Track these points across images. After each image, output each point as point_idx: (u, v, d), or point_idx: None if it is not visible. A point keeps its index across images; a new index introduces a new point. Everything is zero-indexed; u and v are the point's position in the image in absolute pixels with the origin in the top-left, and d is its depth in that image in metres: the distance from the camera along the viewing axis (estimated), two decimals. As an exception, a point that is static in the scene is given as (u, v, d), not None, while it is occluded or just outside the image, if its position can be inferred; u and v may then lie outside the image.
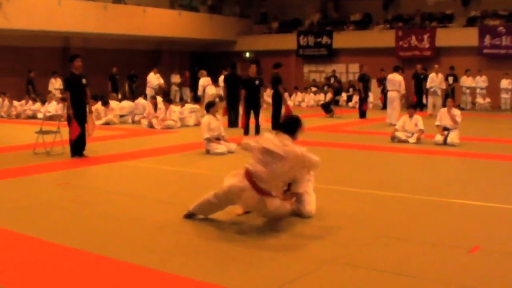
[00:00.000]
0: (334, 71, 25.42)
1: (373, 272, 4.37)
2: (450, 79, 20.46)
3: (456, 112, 11.95)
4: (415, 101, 18.49)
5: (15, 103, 18.84)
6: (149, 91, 20.68)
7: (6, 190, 7.61)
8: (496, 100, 21.54)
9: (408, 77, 20.84)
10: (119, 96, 21.21)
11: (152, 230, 5.54)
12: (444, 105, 14.50)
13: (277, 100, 14.11)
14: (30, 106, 18.49)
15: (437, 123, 11.95)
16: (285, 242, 5.12)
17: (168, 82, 25.14)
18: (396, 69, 16.37)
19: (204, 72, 18.60)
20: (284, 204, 5.55)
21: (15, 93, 19.63)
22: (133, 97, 20.06)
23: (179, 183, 8.19)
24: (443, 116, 11.93)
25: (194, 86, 25.46)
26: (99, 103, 16.53)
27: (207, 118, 10.62)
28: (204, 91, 18.18)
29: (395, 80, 15.93)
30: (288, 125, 5.66)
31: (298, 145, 5.56)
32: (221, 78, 17.53)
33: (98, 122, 14.10)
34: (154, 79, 21.30)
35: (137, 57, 25.73)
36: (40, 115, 16.70)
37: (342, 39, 25.60)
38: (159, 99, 16.04)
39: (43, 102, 18.13)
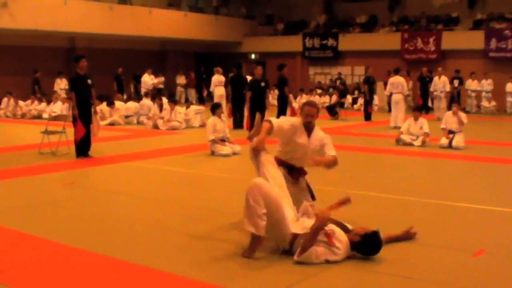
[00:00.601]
0: (340, 73, 25.40)
1: (378, 275, 4.36)
2: (456, 82, 20.40)
3: (462, 114, 11.94)
4: (421, 104, 18.47)
5: (21, 103, 18.89)
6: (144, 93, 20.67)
7: (11, 189, 7.64)
8: (502, 104, 21.49)
9: (414, 79, 20.83)
10: (125, 96, 21.25)
11: (155, 230, 5.55)
12: (449, 108, 14.47)
13: (283, 102, 14.13)
14: (36, 106, 18.54)
15: (442, 126, 11.93)
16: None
17: (170, 82, 25.13)
18: (397, 72, 16.39)
19: (220, 70, 17.51)
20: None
21: (20, 92, 19.68)
22: (138, 97, 20.08)
23: (184, 184, 8.18)
24: (448, 119, 11.93)
25: (199, 88, 25.53)
26: (104, 103, 16.57)
27: (212, 120, 10.65)
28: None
29: (398, 82, 15.94)
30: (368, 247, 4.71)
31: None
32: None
33: (103, 123, 14.12)
34: (148, 80, 21.31)
35: (142, 58, 25.77)
36: (45, 115, 16.75)
37: (348, 41, 25.59)
38: (165, 100, 16.05)
39: (49, 102, 18.18)
